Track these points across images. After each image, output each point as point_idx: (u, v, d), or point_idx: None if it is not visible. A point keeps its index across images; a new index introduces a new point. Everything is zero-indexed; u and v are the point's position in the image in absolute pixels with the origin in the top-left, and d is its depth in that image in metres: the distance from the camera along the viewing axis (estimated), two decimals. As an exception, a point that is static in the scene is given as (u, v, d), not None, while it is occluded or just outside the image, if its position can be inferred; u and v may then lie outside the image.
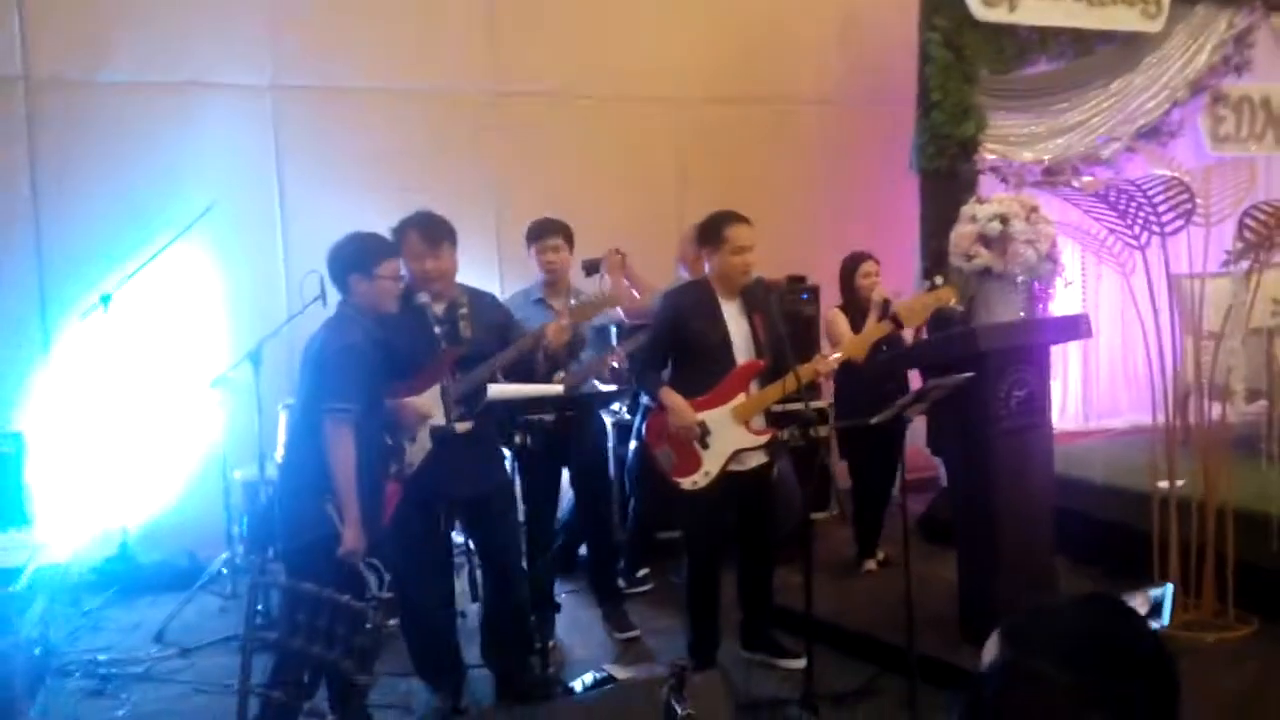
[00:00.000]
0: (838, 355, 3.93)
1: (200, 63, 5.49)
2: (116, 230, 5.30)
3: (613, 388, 4.57)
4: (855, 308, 4.87)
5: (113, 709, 3.91)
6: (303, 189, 5.63)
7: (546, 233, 4.43)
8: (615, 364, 4.41)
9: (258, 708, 2.60)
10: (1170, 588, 1.47)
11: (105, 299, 5.10)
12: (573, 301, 4.02)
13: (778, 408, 3.89)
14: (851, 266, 4.97)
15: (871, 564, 5.06)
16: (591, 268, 4.78)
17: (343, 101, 5.74)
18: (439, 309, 3.37)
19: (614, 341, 4.80)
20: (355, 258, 3.28)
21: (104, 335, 5.14)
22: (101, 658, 4.31)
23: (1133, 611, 1.23)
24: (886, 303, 4.51)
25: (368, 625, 2.07)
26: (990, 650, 1.23)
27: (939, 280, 4.15)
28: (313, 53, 5.69)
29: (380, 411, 3.30)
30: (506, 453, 3.77)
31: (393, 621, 4.14)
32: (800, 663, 3.79)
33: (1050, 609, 1.27)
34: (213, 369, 5.00)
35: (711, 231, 3.86)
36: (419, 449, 3.45)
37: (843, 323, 4.85)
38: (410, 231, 3.51)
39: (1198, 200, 4.26)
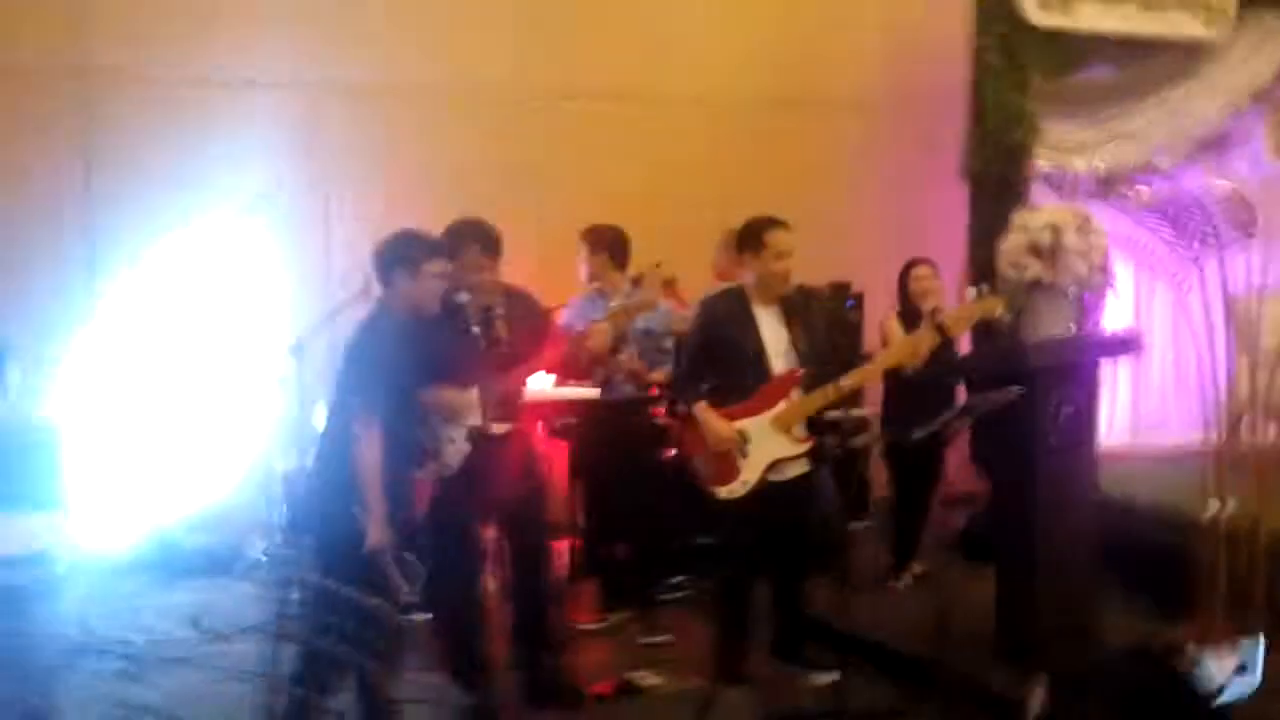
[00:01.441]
0: (876, 364, 3.83)
1: (250, 58, 5.53)
2: (167, 221, 5.37)
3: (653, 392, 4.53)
4: (911, 314, 4.75)
5: (145, 693, 3.95)
6: (350, 185, 5.66)
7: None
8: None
9: (283, 702, 2.60)
10: (1262, 640, 1.40)
11: (153, 287, 5.17)
12: (614, 304, 4.00)
13: (818, 416, 3.83)
14: (905, 271, 4.89)
15: (908, 577, 4.97)
16: (635, 281, 4.73)
17: (390, 99, 5.76)
18: (475, 310, 3.36)
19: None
20: (402, 254, 3.27)
21: (152, 324, 5.22)
22: (137, 641, 4.37)
23: (1188, 670, 1.19)
24: (934, 310, 4.41)
25: (394, 630, 2.06)
26: (1036, 697, 1.19)
27: (985, 289, 4.05)
28: (362, 49, 5.71)
29: (412, 409, 3.29)
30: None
31: (424, 617, 4.17)
32: (832, 677, 3.74)
33: (1101, 659, 1.23)
34: (259, 361, 5.06)
35: (751, 237, 3.81)
36: (457, 450, 3.43)
37: (896, 329, 4.75)
38: (471, 243, 3.51)
39: (1259, 215, 4.13)
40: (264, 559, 5.06)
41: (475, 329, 3.34)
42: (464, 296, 3.37)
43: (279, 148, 5.56)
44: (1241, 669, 1.36)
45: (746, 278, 3.87)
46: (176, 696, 3.92)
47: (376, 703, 2.10)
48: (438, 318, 3.34)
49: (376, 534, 3.08)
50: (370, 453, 3.07)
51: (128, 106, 5.40)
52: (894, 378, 3.81)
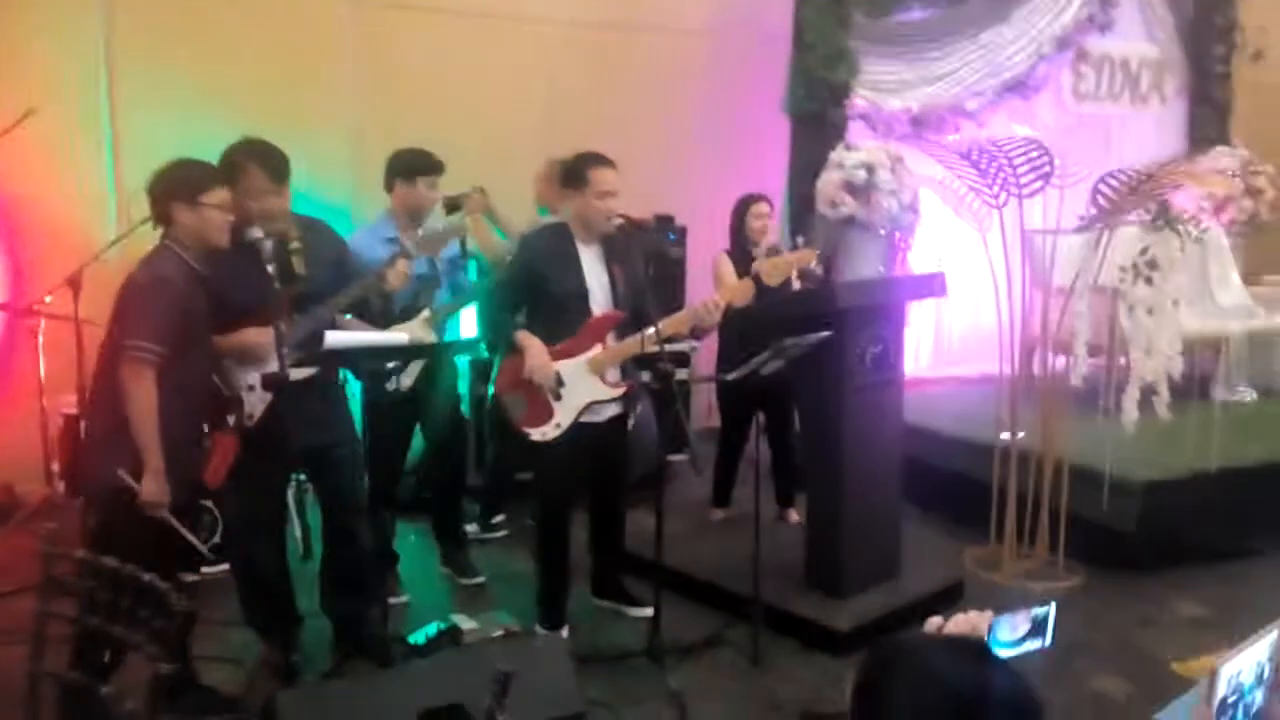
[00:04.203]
0: (694, 309, 3.77)
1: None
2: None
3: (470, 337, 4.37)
4: (744, 252, 4.66)
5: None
6: (136, 97, 5.17)
7: (431, 169, 4.02)
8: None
9: (56, 689, 2.40)
10: (1054, 606, 1.44)
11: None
12: (420, 232, 3.80)
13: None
14: (743, 208, 4.75)
15: (720, 514, 5.06)
16: (453, 206, 4.45)
17: (184, 3, 5.27)
18: (268, 244, 3.11)
19: (472, 277, 4.57)
20: (179, 185, 2.99)
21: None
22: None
23: (1001, 664, 1.20)
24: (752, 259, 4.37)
25: (174, 607, 1.90)
26: (854, 675, 1.19)
27: (801, 240, 4.09)
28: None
29: (203, 355, 3.06)
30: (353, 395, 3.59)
31: (224, 567, 3.97)
32: (648, 612, 3.78)
33: (913, 648, 1.23)
34: (34, 294, 4.61)
35: (575, 174, 3.69)
36: (259, 398, 3.22)
37: (728, 268, 4.63)
38: (250, 166, 3.18)
39: (1056, 162, 4.32)
40: (45, 508, 4.68)
41: (270, 265, 3.08)
42: (256, 232, 3.11)
43: (56, 53, 5.01)
44: (1037, 629, 1.41)
45: (570, 215, 3.76)
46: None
47: (156, 693, 1.95)
48: (228, 254, 3.09)
49: (154, 489, 2.87)
50: (144, 402, 2.83)
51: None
52: (725, 319, 3.79)
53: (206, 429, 3.19)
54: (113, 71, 5.18)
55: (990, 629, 1.37)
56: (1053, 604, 1.44)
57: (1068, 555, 4.52)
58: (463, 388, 4.70)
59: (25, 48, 5.00)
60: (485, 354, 4.85)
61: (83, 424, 3.47)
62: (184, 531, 2.93)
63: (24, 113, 4.54)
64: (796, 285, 4.48)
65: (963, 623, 1.35)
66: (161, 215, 3.00)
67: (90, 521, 3.37)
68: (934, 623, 1.36)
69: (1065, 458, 4.49)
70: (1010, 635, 1.40)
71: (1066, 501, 4.47)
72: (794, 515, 4.95)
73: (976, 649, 1.25)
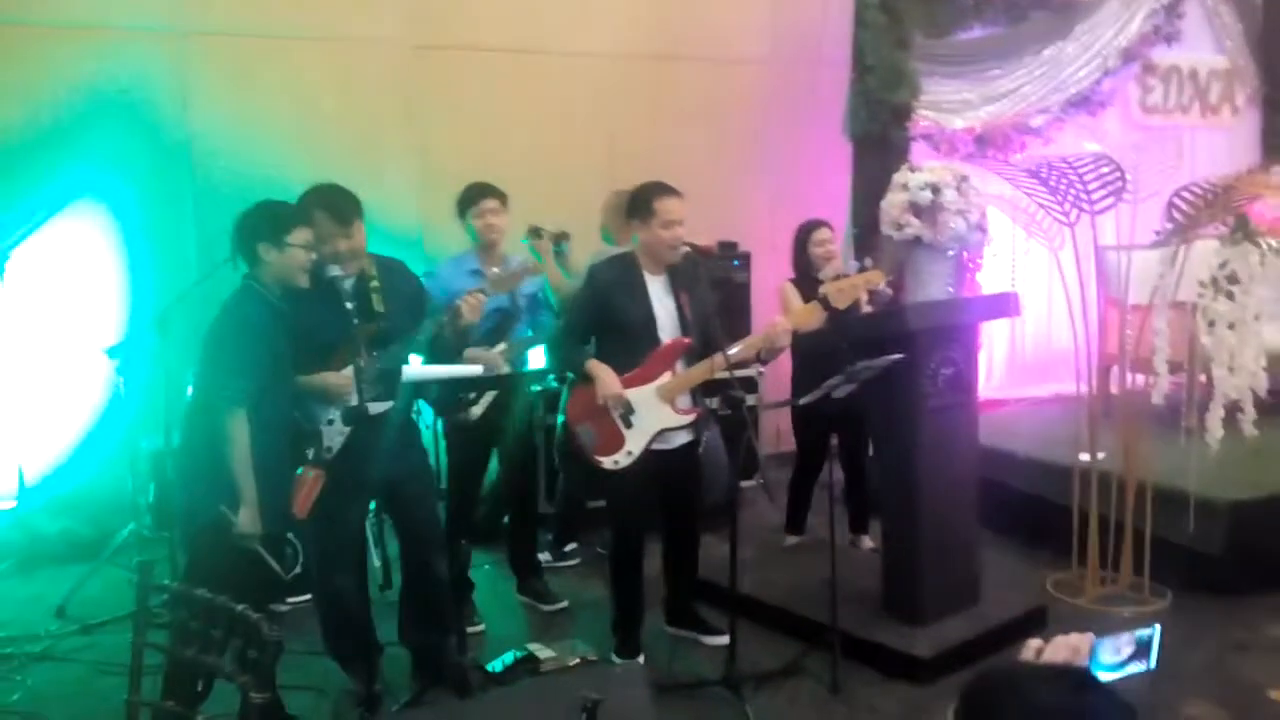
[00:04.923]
0: (762, 335, 3.77)
1: (102, 5, 5.16)
2: (10, 184, 5.00)
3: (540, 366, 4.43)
4: (808, 279, 4.61)
5: (6, 692, 3.73)
6: (215, 140, 5.35)
7: (484, 195, 4.21)
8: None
9: (149, 718, 2.46)
10: (1158, 629, 1.40)
11: (1, 265, 4.80)
12: (495, 270, 3.86)
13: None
14: (803, 235, 4.72)
15: (793, 540, 5.02)
16: (535, 233, 4.52)
17: (258, 49, 5.45)
18: (348, 283, 3.19)
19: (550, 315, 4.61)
20: (264, 226, 3.09)
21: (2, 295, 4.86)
22: (-3, 635, 4.12)
23: (1107, 693, 1.17)
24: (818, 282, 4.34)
25: (265, 638, 1.95)
26: (954, 707, 1.17)
27: (868, 262, 4.07)
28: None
29: (287, 391, 3.14)
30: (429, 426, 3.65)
31: (305, 598, 4.04)
32: (724, 640, 3.76)
33: (1016, 678, 1.20)
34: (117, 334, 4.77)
35: (640, 203, 3.73)
36: (337, 432, 3.30)
37: (794, 296, 4.59)
38: (316, 212, 3.26)
39: (1128, 177, 4.25)
40: (132, 542, 4.81)
41: (349, 303, 3.16)
42: (336, 270, 3.20)
43: (140, 103, 5.21)
44: (1141, 653, 1.37)
45: (637, 244, 3.78)
46: (40, 694, 3.72)
47: (250, 710, 1.99)
48: (307, 292, 3.17)
49: (249, 519, 2.96)
50: (240, 439, 2.93)
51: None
52: (796, 344, 3.78)
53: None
54: (191, 115, 5.37)
55: (1092, 651, 1.34)
56: (1156, 626, 1.40)
57: (1152, 579, 4.40)
58: (534, 417, 4.75)
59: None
60: (555, 385, 4.90)
61: (174, 460, 3.58)
62: (271, 562, 3.00)
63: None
64: (867, 308, 4.45)
65: (1063, 646, 1.32)
66: (246, 255, 3.09)
67: (183, 555, 3.46)
68: (1033, 646, 1.33)
69: (1148, 479, 4.38)
70: (1113, 658, 1.37)
71: (1150, 524, 4.36)
72: (867, 542, 4.89)
73: (1080, 678, 1.22)
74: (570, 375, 3.88)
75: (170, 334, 4.41)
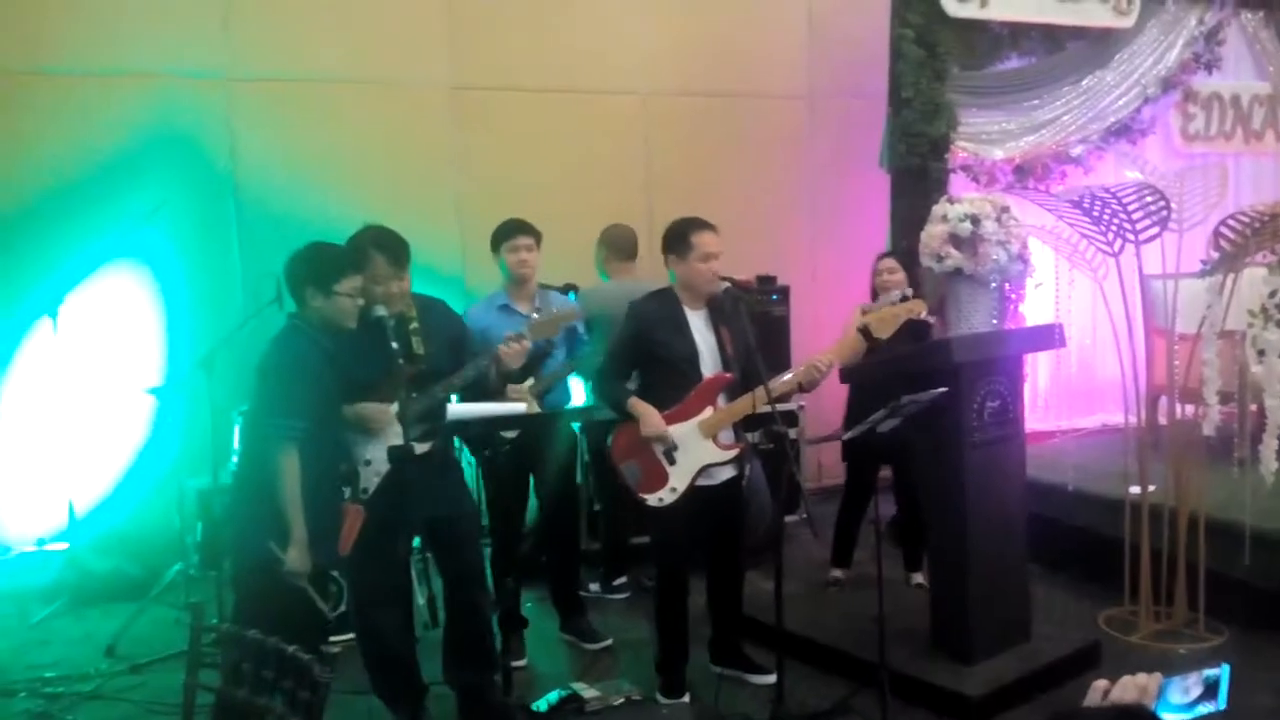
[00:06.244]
0: (805, 368, 3.76)
1: (152, 53, 5.30)
2: (62, 229, 5.12)
3: (580, 404, 4.44)
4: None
5: (57, 731, 3.77)
6: (259, 185, 5.46)
7: (516, 232, 4.26)
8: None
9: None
10: (1228, 668, 1.36)
11: (54, 309, 4.89)
12: (534, 316, 3.87)
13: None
14: (876, 264, 4.90)
15: (839, 574, 4.96)
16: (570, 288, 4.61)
17: (302, 93, 5.57)
18: (392, 323, 3.23)
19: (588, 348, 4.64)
20: (314, 272, 3.12)
21: (50, 342, 4.96)
22: (48, 674, 4.16)
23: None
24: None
25: (317, 679, 1.95)
26: None
27: (909, 292, 4.04)
28: (268, 44, 5.52)
29: (333, 428, 3.16)
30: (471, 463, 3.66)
31: (349, 636, 4.04)
32: (770, 679, 3.71)
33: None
34: (163, 375, 4.86)
35: (677, 238, 3.74)
36: (374, 472, 3.32)
37: (854, 321, 4.65)
38: (374, 253, 3.31)
39: (1172, 206, 4.20)
40: (180, 581, 4.85)
41: (394, 344, 3.20)
42: (381, 310, 3.23)
43: (185, 148, 5.33)
44: (1209, 693, 1.33)
45: (676, 280, 3.79)
46: (90, 733, 3.76)
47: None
48: (352, 331, 3.21)
49: (298, 558, 2.98)
50: (291, 476, 2.95)
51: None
52: (849, 376, 3.77)
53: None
54: (238, 158, 5.48)
55: (1160, 692, 1.30)
56: (1226, 666, 1.36)
57: (1208, 614, 4.29)
58: (576, 453, 4.76)
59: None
60: (597, 419, 4.90)
61: (223, 496, 3.62)
62: (317, 599, 3.01)
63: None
64: (927, 318, 4.44)
65: (1131, 686, 1.29)
66: (294, 296, 3.14)
67: (230, 592, 3.49)
68: (1099, 687, 1.30)
69: (1200, 511, 4.29)
70: (1182, 698, 1.33)
71: (1204, 557, 4.26)
72: (918, 578, 4.82)
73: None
74: (613, 412, 3.87)
75: (216, 374, 4.50)
